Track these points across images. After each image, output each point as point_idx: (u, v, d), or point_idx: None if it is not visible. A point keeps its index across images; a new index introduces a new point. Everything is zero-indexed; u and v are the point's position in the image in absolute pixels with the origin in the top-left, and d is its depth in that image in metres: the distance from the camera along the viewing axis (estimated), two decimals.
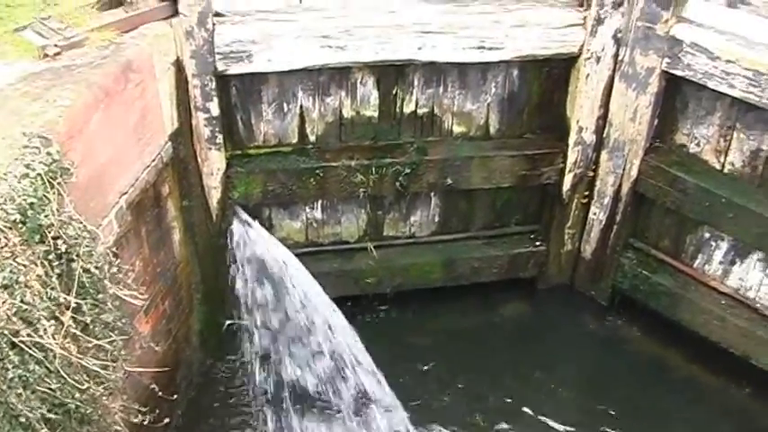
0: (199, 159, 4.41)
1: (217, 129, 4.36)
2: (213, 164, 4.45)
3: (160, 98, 3.96)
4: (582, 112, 4.73)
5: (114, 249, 3.46)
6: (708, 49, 4.23)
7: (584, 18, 4.47)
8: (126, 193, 3.66)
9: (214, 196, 4.54)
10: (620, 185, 4.87)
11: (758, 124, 4.36)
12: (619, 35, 4.46)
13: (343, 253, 5.12)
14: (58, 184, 2.88)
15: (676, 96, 4.60)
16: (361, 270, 5.10)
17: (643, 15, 4.31)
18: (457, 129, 4.90)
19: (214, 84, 4.24)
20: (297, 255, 4.74)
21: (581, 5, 4.50)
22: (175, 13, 4.02)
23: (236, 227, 4.62)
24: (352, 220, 5.05)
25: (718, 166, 4.61)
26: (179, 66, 4.11)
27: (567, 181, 4.98)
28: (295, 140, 4.70)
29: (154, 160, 3.94)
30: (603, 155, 4.85)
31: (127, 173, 3.69)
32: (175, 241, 4.32)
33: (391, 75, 4.62)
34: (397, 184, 4.81)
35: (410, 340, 5.22)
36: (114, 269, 3.17)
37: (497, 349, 5.21)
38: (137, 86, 3.70)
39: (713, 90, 4.33)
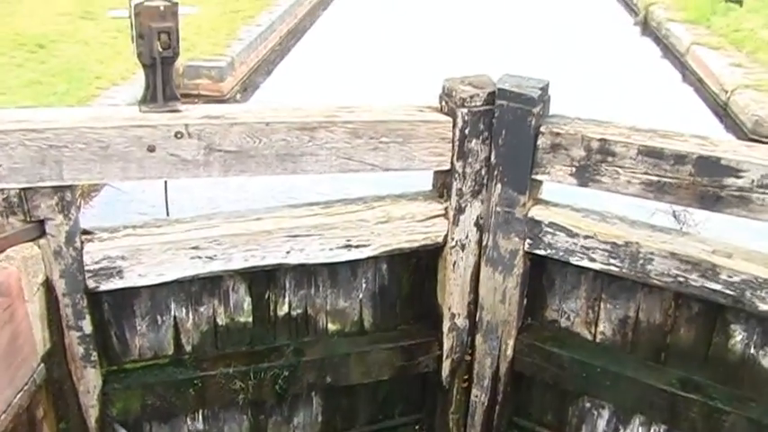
0: (74, 378, 4.29)
1: (91, 346, 4.26)
2: (89, 382, 4.33)
3: (30, 320, 3.88)
4: (453, 298, 4.82)
5: None
6: (566, 227, 4.43)
7: (446, 209, 4.61)
8: None
9: (92, 415, 4.39)
10: (497, 366, 4.93)
11: (622, 293, 4.56)
12: (481, 222, 4.62)
13: None
14: None
15: (542, 275, 4.77)
16: None
17: (501, 201, 4.49)
18: (332, 327, 4.92)
19: (85, 302, 4.18)
20: None
21: (441, 196, 4.67)
22: (43, 233, 4.00)
23: None
24: (234, 428, 4.93)
25: (590, 337, 4.76)
26: (49, 286, 4.05)
27: (446, 367, 5.01)
28: (171, 352, 4.62)
29: (26, 384, 3.83)
30: (478, 338, 4.91)
31: None
32: None
33: (262, 279, 4.65)
34: (277, 387, 4.75)
35: None
36: None
37: None
38: (5, 311, 3.64)
39: (576, 265, 4.51)
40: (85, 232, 4.18)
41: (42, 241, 4.02)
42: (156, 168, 4.09)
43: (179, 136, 4.03)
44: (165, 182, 5.26)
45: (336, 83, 12.59)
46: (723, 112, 12.11)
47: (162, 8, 3.99)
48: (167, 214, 5.01)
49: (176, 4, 4.02)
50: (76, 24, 12.85)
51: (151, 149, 4.02)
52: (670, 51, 15.36)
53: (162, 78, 4.09)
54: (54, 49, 11.62)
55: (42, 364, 3.99)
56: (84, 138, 3.91)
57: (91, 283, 4.16)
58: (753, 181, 3.99)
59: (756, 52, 13.52)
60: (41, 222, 3.99)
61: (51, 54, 11.39)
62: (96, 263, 4.14)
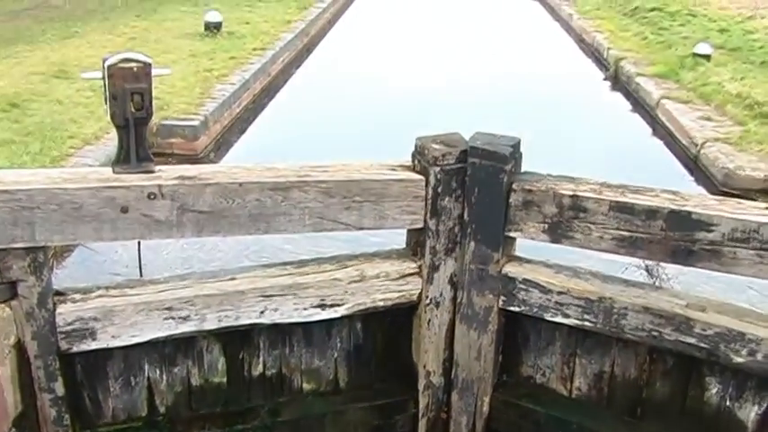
0: None
1: (63, 409, 4.22)
2: None
3: (2, 383, 3.86)
4: (428, 356, 4.80)
5: None
6: (539, 283, 4.46)
7: (420, 267, 4.62)
8: None
9: None
10: (474, 424, 4.90)
11: (597, 348, 4.57)
12: (455, 279, 4.62)
13: None
14: None
15: (517, 331, 4.77)
16: None
17: (475, 258, 4.51)
18: (307, 386, 4.88)
19: (58, 363, 4.15)
20: None
21: (415, 254, 4.67)
22: (15, 295, 3.98)
23: None
24: None
25: (565, 393, 4.75)
26: (21, 348, 4.02)
27: (422, 426, 4.97)
28: (144, 413, 4.58)
29: None
30: (454, 395, 4.88)
31: None
32: None
33: (236, 340, 4.62)
34: None
35: None
36: None
37: None
38: None
39: (550, 321, 4.53)
40: (58, 293, 4.16)
41: (14, 303, 4.00)
42: (130, 229, 4.09)
43: (152, 197, 4.03)
44: (139, 242, 5.25)
45: (310, 139, 12.64)
46: (694, 165, 12.22)
47: (135, 69, 4.01)
48: (141, 275, 5.00)
49: (149, 65, 4.05)
50: (50, 83, 12.85)
51: (124, 210, 4.03)
52: (640, 105, 15.51)
53: (135, 139, 4.11)
54: (27, 108, 11.60)
55: (14, 429, 3.95)
56: (57, 199, 3.91)
57: (63, 345, 4.13)
58: (724, 234, 4.03)
59: (724, 105, 13.67)
60: (13, 284, 3.97)
61: (25, 113, 11.36)
62: (69, 324, 4.12)
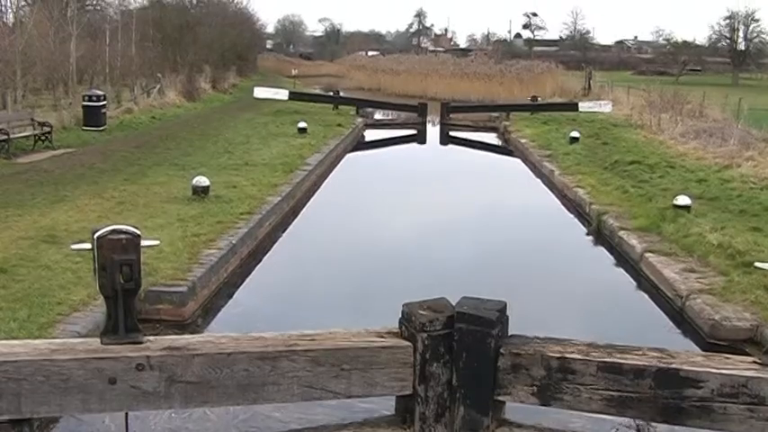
0: None
1: None
2: None
3: None
4: None
5: None
6: None
7: None
8: None
9: None
10: None
11: None
12: None
13: None
14: None
15: None
16: None
17: (465, 423, 4.46)
18: None
19: None
20: None
21: (404, 421, 4.61)
22: None
23: None
24: None
25: None
26: None
27: None
28: None
29: None
30: None
31: None
32: None
33: None
34: None
35: None
36: None
37: None
38: None
39: None
40: None
41: None
42: (117, 401, 4.07)
43: (140, 368, 4.03)
44: (126, 413, 5.21)
45: (297, 303, 12.74)
46: (680, 317, 12.25)
47: (124, 241, 4.07)
48: None
49: (139, 236, 4.11)
50: (39, 248, 12.89)
51: (112, 382, 4.02)
52: (624, 259, 15.62)
53: (124, 310, 4.13)
54: (16, 273, 11.60)
55: None
56: (45, 371, 3.90)
57: None
58: (713, 390, 4.04)
59: (707, 256, 13.81)
60: None
61: (13, 279, 11.36)
62: None
